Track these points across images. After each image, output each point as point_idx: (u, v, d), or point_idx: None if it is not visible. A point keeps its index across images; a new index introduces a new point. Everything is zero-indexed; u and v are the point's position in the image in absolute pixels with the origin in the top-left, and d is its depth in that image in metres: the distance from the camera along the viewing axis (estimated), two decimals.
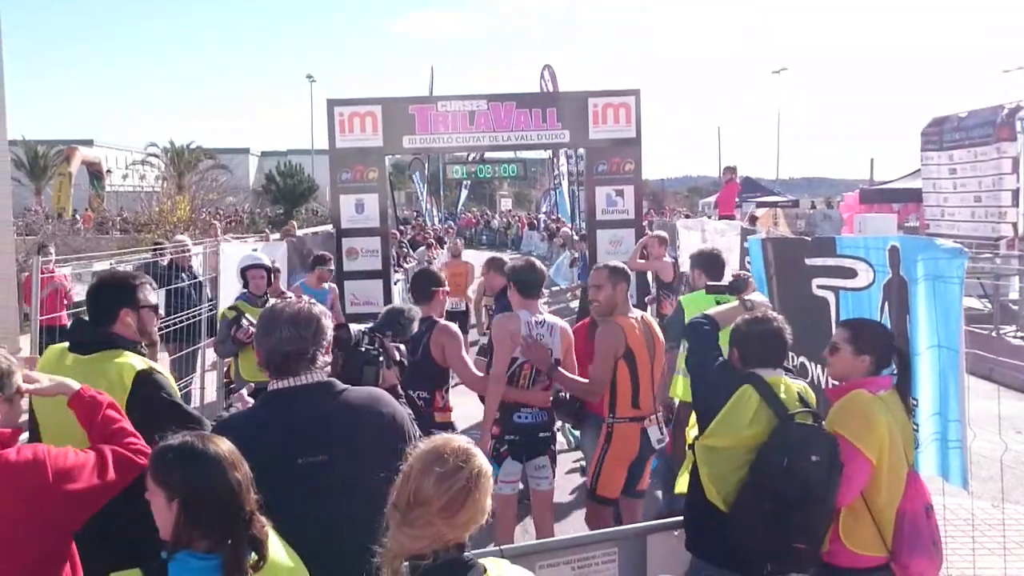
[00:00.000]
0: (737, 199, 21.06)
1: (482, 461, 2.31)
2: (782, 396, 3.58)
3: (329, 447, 2.88)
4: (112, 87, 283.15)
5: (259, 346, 2.98)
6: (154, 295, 3.86)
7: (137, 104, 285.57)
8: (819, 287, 4.50)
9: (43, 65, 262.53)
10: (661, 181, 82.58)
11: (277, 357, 2.94)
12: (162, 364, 4.79)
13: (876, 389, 3.65)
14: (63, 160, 33.35)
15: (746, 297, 4.24)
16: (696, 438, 3.73)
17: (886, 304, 4.03)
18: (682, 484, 3.96)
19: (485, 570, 2.29)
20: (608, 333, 5.10)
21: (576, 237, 20.74)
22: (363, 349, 3.49)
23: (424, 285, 5.52)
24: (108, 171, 37.75)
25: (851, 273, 4.25)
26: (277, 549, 2.52)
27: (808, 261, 4.59)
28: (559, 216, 33.03)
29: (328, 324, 3.06)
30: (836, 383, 3.91)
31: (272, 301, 7.27)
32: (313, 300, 3.10)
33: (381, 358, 3.40)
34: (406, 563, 2.28)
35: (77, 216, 33.70)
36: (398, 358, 3.52)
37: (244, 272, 7.48)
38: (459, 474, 2.26)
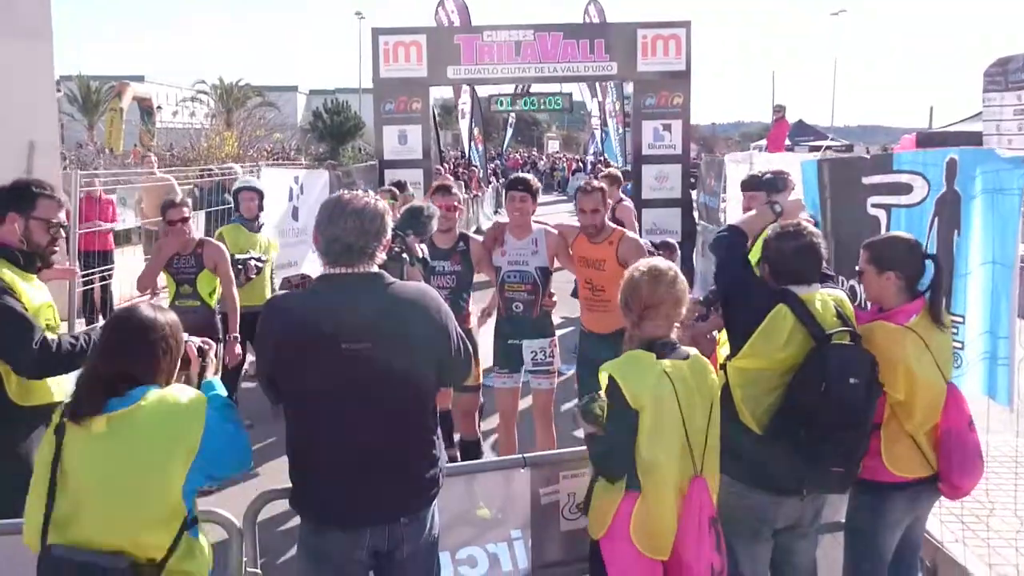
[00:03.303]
0: (788, 141, 20.58)
1: (682, 275, 3.32)
2: (818, 313, 3.40)
3: (374, 336, 2.86)
4: (163, 24, 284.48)
5: (320, 233, 2.97)
6: (59, 213, 3.81)
7: (187, 41, 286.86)
8: (873, 206, 4.33)
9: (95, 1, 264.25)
10: (712, 126, 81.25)
11: (337, 246, 2.93)
12: None
13: (903, 319, 3.50)
14: (115, 95, 33.46)
15: (775, 199, 4.00)
16: (728, 358, 3.58)
17: (936, 220, 3.86)
18: None
19: (688, 352, 3.27)
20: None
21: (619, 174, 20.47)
22: None
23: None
24: (159, 107, 37.89)
25: (906, 189, 4.07)
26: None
27: (865, 180, 4.41)
28: (606, 157, 32.62)
29: (390, 222, 3.07)
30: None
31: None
32: (377, 197, 3.08)
33: (404, 255, 3.36)
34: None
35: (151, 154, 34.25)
36: (420, 256, 3.49)
37: (236, 194, 7.76)
38: (678, 280, 3.30)
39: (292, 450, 3.02)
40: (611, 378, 3.17)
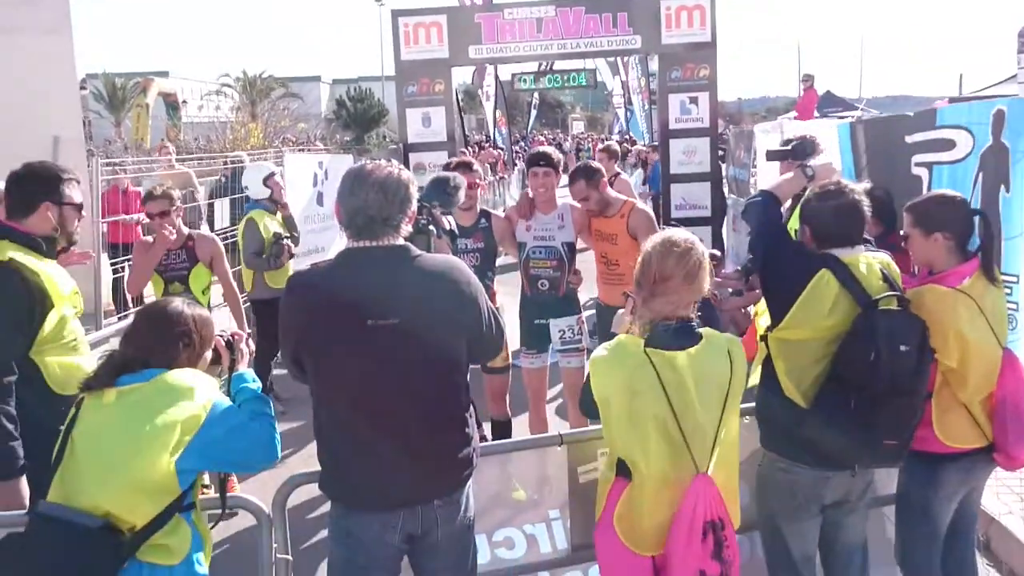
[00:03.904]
0: (817, 113, 20.22)
1: (701, 246, 3.05)
2: (863, 277, 3.21)
3: (401, 311, 2.76)
4: (185, 19, 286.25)
5: (342, 205, 2.88)
6: (79, 194, 3.76)
7: (210, 35, 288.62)
8: (917, 164, 4.14)
9: None
10: (738, 101, 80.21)
11: (360, 219, 2.84)
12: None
13: (955, 281, 3.32)
14: (140, 92, 33.71)
15: (808, 163, 3.79)
16: (768, 329, 3.40)
17: (980, 175, 3.69)
18: (754, 377, 3.56)
19: (702, 336, 2.97)
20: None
21: (645, 150, 20.27)
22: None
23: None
24: (184, 102, 38.12)
25: (950, 145, 3.90)
26: None
27: (908, 139, 4.22)
28: (631, 135, 32.30)
29: (415, 192, 2.96)
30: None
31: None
32: (401, 165, 2.98)
33: (431, 227, 3.24)
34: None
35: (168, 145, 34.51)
36: (448, 227, 3.37)
37: (267, 181, 7.70)
38: (692, 252, 2.99)
39: (319, 432, 2.94)
40: (586, 374, 3.04)
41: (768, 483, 3.47)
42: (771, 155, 5.11)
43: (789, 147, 4.37)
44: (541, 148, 5.92)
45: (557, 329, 5.50)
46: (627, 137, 33.73)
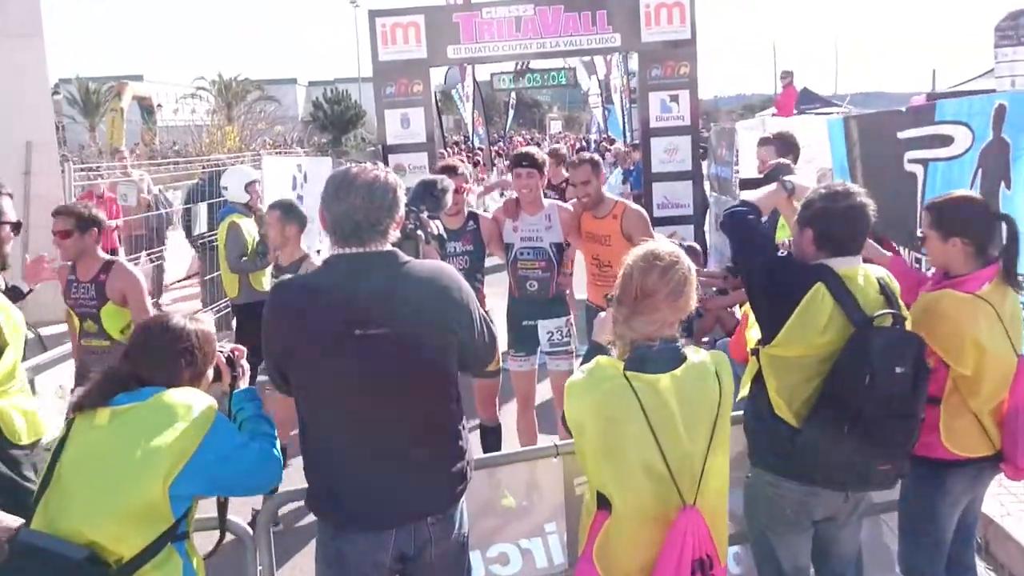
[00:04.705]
0: (795, 110, 20.23)
1: (688, 260, 2.79)
2: (860, 291, 3.03)
3: (391, 320, 2.65)
4: (158, 22, 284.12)
5: (328, 210, 2.75)
6: (12, 211, 3.51)
7: (184, 39, 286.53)
8: (910, 161, 4.05)
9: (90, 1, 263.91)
10: (714, 99, 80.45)
11: (347, 224, 2.71)
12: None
13: (974, 287, 3.18)
14: (114, 96, 33.31)
15: (786, 178, 3.62)
16: (759, 343, 3.21)
17: (979, 172, 3.60)
18: (744, 390, 3.39)
19: (686, 356, 2.74)
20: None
21: (624, 149, 20.23)
22: None
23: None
24: (159, 106, 37.71)
25: (947, 141, 3.80)
26: None
27: (901, 134, 4.13)
28: (609, 134, 32.25)
29: (403, 196, 2.83)
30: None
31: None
32: (388, 169, 2.86)
33: (419, 232, 3.12)
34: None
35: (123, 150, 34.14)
36: (435, 232, 3.24)
37: (248, 187, 7.57)
38: (677, 267, 2.73)
39: (306, 447, 2.81)
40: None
41: (756, 497, 3.32)
42: (744, 184, 4.96)
43: (763, 175, 4.29)
44: (524, 148, 5.85)
45: (545, 331, 5.42)
46: (605, 136, 33.67)
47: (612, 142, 31.13)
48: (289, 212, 5.94)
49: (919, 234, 3.39)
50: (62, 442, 2.61)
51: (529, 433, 5.57)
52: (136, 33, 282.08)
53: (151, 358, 2.70)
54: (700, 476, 2.69)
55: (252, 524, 3.18)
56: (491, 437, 5.53)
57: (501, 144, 37.68)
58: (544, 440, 5.45)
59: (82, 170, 10.18)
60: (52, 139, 11.01)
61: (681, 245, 7.84)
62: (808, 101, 30.69)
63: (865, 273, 3.12)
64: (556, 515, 3.57)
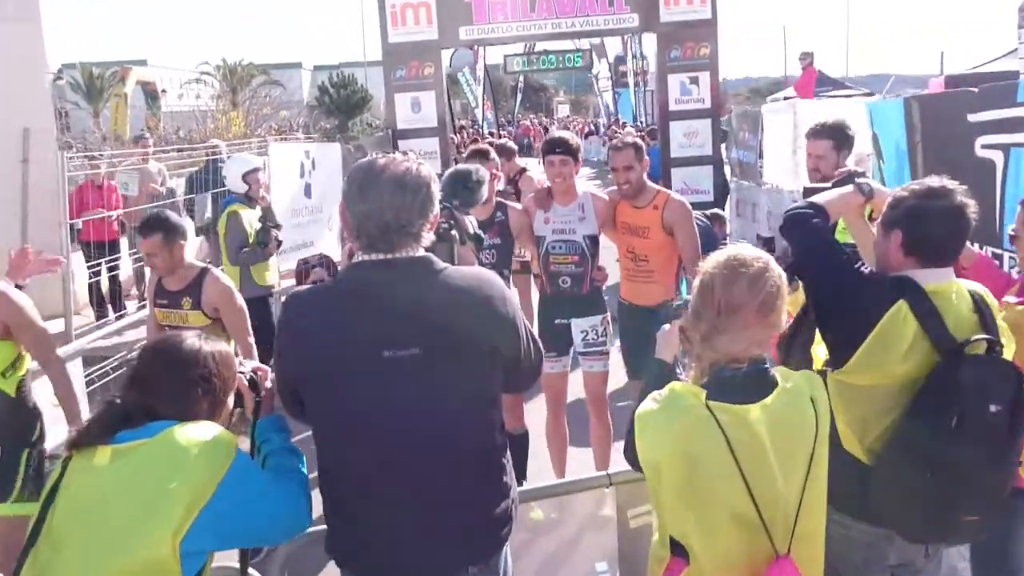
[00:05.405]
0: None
1: (778, 267, 2.39)
2: (950, 312, 2.59)
3: (423, 338, 2.28)
4: (163, 5, 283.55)
5: (350, 210, 2.36)
6: None
7: (188, 23, 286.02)
8: (984, 147, 3.67)
9: None
10: (722, 82, 79.94)
11: (372, 226, 2.32)
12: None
13: None
14: (118, 81, 32.99)
15: (862, 180, 3.14)
16: (827, 364, 2.77)
17: None
18: None
19: (777, 381, 2.35)
20: None
21: (638, 134, 19.85)
22: None
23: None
24: (163, 91, 37.38)
25: None
26: None
27: (972, 117, 3.75)
28: (619, 117, 31.84)
29: (437, 192, 2.43)
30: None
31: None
32: (420, 160, 2.46)
33: (453, 232, 2.72)
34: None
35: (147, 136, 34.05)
36: (472, 231, 2.84)
37: (246, 176, 7.09)
38: (766, 275, 2.33)
39: (325, 484, 2.43)
40: (631, 422, 2.44)
41: (825, 539, 2.93)
42: (808, 192, 4.42)
43: (831, 186, 3.83)
44: (559, 133, 5.43)
45: (579, 330, 5.08)
46: (615, 119, 33.24)
47: (623, 126, 30.73)
48: (171, 231, 4.67)
49: (1010, 232, 2.99)
50: (55, 486, 2.23)
51: (559, 440, 5.24)
52: (140, 17, 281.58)
53: (160, 386, 2.30)
54: (795, 520, 2.33)
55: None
56: (517, 446, 5.17)
57: (510, 129, 37.27)
58: (574, 452, 5.09)
59: (84, 157, 9.81)
60: (51, 126, 10.71)
61: (704, 215, 7.44)
62: (822, 84, 30.22)
63: (958, 290, 2.68)
64: (609, 553, 3.20)
